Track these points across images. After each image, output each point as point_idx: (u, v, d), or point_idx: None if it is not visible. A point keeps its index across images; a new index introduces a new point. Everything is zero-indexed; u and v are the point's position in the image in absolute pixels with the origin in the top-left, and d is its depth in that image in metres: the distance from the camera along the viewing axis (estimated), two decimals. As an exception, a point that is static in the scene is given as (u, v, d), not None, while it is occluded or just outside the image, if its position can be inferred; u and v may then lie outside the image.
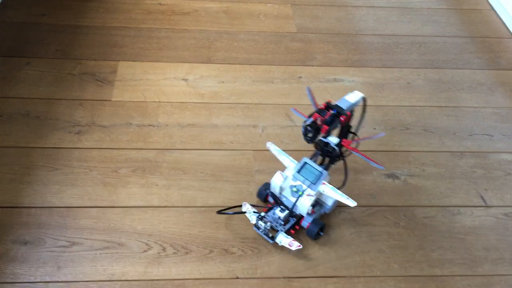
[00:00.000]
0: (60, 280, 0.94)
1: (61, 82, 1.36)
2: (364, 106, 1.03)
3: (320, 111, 0.95)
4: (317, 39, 1.62)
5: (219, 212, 1.05)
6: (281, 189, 1.03)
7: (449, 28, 1.72)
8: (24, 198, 1.07)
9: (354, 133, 1.05)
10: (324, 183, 1.01)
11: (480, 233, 1.10)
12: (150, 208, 1.09)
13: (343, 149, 1.02)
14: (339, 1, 1.81)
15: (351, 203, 0.97)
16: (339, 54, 1.57)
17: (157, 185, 1.13)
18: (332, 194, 0.99)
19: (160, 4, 1.69)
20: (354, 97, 0.99)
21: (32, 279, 0.94)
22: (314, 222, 1.03)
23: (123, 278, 0.96)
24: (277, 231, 1.02)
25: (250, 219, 1.04)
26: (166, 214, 1.08)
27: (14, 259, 0.97)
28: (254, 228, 1.04)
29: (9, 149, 1.17)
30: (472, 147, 1.30)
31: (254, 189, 1.14)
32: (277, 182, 1.02)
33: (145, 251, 1.01)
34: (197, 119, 1.31)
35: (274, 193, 1.04)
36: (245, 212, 1.03)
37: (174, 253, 1.01)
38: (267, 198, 1.09)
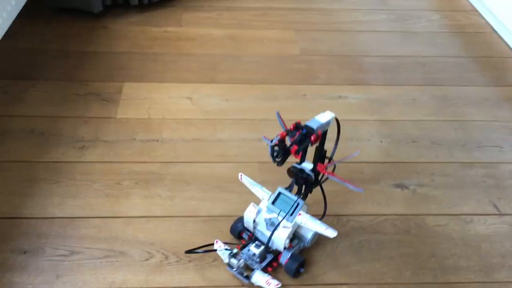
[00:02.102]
0: (58, 288, 0.91)
1: (67, 102, 1.37)
2: (338, 128, 0.95)
3: (289, 132, 0.88)
4: (320, 60, 1.63)
5: (188, 251, 0.96)
6: (256, 223, 0.96)
7: (452, 49, 1.74)
8: (24, 210, 1.05)
9: (329, 158, 0.96)
10: (300, 213, 0.93)
11: (495, 240, 1.06)
12: (153, 218, 1.06)
13: (320, 175, 0.95)
14: (342, 26, 1.84)
15: (332, 233, 0.89)
16: (343, 74, 1.58)
17: (160, 196, 1.11)
18: (310, 224, 0.92)
19: (166, 31, 1.73)
20: (325, 117, 0.91)
21: (30, 287, 0.90)
22: (292, 257, 0.93)
23: (123, 286, 0.92)
24: (253, 269, 0.93)
25: (222, 258, 0.94)
26: (169, 223, 1.05)
27: (12, 268, 0.94)
28: (227, 268, 0.94)
29: (11, 164, 1.16)
30: (482, 158, 1.28)
31: (258, 199, 1.12)
32: (250, 216, 0.95)
33: (147, 259, 0.97)
34: (202, 134, 1.30)
35: (248, 227, 0.97)
36: (215, 250, 0.94)
37: (177, 261, 0.97)
38: (241, 234, 1.00)
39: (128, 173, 1.16)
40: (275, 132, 1.28)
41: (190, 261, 0.97)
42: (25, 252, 0.97)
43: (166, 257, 0.98)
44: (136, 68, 1.52)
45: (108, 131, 1.28)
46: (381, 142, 1.32)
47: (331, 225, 1.05)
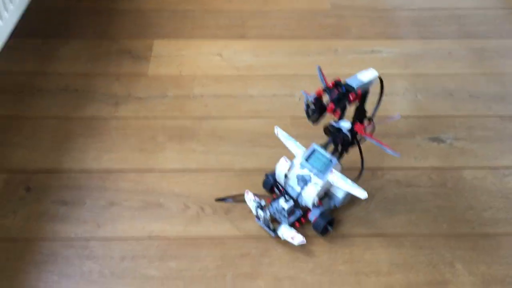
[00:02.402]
0: (100, 237, 0.93)
1: (98, 59, 1.38)
2: (382, 87, 0.92)
3: (327, 89, 0.85)
4: (352, 15, 1.59)
5: (218, 199, 0.98)
6: (287, 178, 0.95)
7: (489, 0, 1.66)
8: (63, 164, 1.08)
9: (370, 118, 0.93)
10: (333, 172, 0.91)
11: (534, 193, 1.04)
12: (188, 171, 1.07)
13: (358, 135, 0.93)
14: (373, -20, 1.77)
15: (362, 193, 0.87)
16: (375, 28, 1.53)
17: (194, 150, 1.12)
18: (340, 183, 0.90)
19: (194, -12, 1.70)
20: (367, 75, 0.87)
21: (72, 235, 0.93)
22: (322, 215, 0.92)
23: (162, 235, 0.94)
24: (281, 223, 0.93)
25: (251, 208, 0.95)
26: (204, 177, 1.06)
27: (55, 218, 0.96)
28: (256, 220, 0.94)
29: (48, 120, 1.18)
30: (521, 111, 1.24)
31: (292, 154, 1.11)
32: (281, 170, 0.94)
33: (183, 211, 0.99)
34: (233, 90, 1.29)
35: (279, 181, 0.96)
36: (244, 201, 0.95)
37: (213, 213, 0.99)
38: (273, 189, 0.99)
39: (161, 128, 1.17)
40: (307, 88, 1.27)
41: (226, 213, 0.98)
42: (66, 203, 0.99)
43: (202, 209, 0.99)
44: (165, 25, 1.50)
45: (140, 88, 1.28)
46: (416, 96, 1.29)
47: (366, 179, 1.05)
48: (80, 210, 0.98)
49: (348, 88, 0.85)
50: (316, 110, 0.86)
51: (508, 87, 1.30)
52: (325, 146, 0.95)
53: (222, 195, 1.02)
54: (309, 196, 0.91)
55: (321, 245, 0.93)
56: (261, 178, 1.03)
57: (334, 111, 0.85)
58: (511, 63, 1.39)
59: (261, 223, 0.93)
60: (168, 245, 0.93)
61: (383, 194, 1.03)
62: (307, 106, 0.86)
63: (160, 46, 1.43)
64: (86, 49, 1.40)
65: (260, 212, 0.92)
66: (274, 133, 1.00)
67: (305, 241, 0.89)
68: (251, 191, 0.97)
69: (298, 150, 0.96)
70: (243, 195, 0.97)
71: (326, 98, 0.87)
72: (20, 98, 1.24)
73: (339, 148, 0.95)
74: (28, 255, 0.90)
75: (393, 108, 1.24)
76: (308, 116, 0.87)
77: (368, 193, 1.01)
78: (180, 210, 0.99)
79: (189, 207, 1.00)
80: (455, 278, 0.88)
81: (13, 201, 0.99)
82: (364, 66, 1.37)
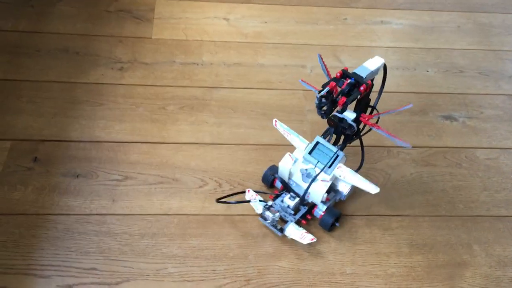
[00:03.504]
0: (116, 213, 0.90)
1: (97, 18, 1.30)
2: (385, 74, 0.88)
3: (335, 80, 0.81)
4: (360, -19, 1.54)
5: (219, 200, 0.90)
6: (290, 173, 0.91)
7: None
8: (71, 132, 1.03)
9: (373, 107, 0.89)
10: (340, 166, 0.87)
11: (545, 175, 1.06)
12: (202, 145, 1.04)
13: (361, 126, 0.90)
14: None
15: (374, 188, 0.84)
16: (385, -4, 1.50)
17: (207, 122, 1.09)
18: (351, 179, 0.86)
19: None
20: (374, 63, 0.83)
21: (87, 211, 0.90)
22: (328, 211, 0.89)
23: (180, 212, 0.92)
24: (286, 221, 0.89)
25: (255, 209, 0.90)
26: (219, 151, 1.03)
27: (67, 192, 0.92)
28: (260, 219, 0.89)
29: (51, 84, 1.12)
30: (529, 90, 1.25)
31: (307, 128, 1.10)
32: (286, 166, 0.89)
33: (200, 186, 0.97)
34: (243, 58, 1.25)
35: (283, 178, 0.93)
36: (249, 201, 0.90)
37: (231, 189, 0.97)
38: (273, 183, 0.95)
39: (171, 98, 1.12)
40: (316, 59, 1.24)
41: (244, 192, 0.96)
42: (77, 176, 0.95)
43: (220, 185, 0.97)
44: (167, -16, 1.42)
45: (146, 52, 1.22)
46: (427, 71, 1.27)
47: (381, 157, 1.05)
48: (93, 183, 0.94)
49: (358, 79, 0.80)
50: (327, 103, 0.81)
51: (517, 66, 1.31)
52: (326, 137, 0.90)
53: (240, 170, 1.00)
54: (318, 193, 0.88)
55: (341, 224, 0.93)
56: (277, 154, 1.02)
57: (345, 105, 0.80)
58: (519, 41, 1.39)
59: (266, 223, 0.88)
60: (188, 222, 0.90)
61: (400, 173, 1.03)
62: (320, 99, 0.80)
63: (163, 7, 1.36)
64: (83, 7, 1.32)
65: (268, 213, 0.87)
66: (273, 125, 0.95)
67: (315, 239, 0.85)
68: (252, 189, 0.92)
69: (300, 143, 0.91)
70: (243, 192, 0.92)
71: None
72: (16, 59, 1.16)
73: (341, 139, 0.92)
74: (42, 230, 0.86)
75: (406, 83, 1.23)
76: (320, 110, 0.82)
77: (384, 172, 1.02)
78: (197, 186, 0.97)
79: (206, 182, 0.97)
80: (472, 259, 0.90)
81: (20, 172, 0.94)
82: (374, 38, 1.35)
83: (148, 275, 0.83)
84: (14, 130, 1.01)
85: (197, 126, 1.08)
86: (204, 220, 0.91)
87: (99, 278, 0.81)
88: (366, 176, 0.99)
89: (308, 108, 1.14)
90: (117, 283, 0.81)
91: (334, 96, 0.81)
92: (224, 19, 1.36)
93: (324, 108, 0.82)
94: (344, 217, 0.94)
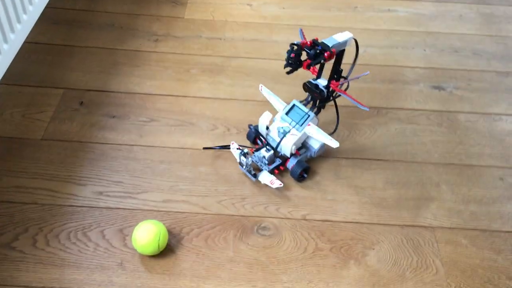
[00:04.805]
0: (142, 144, 1.11)
1: (141, 1, 1.54)
2: (357, 49, 1.00)
3: (305, 47, 0.93)
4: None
5: (206, 148, 1.09)
6: (269, 130, 1.06)
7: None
8: (111, 85, 1.25)
9: (343, 77, 1.02)
10: (309, 125, 1.01)
11: (519, 136, 1.18)
12: (217, 99, 1.24)
13: (334, 93, 1.03)
14: None
15: (334, 143, 0.98)
16: (394, -11, 1.66)
17: (223, 83, 1.28)
18: (316, 134, 1.00)
19: None
20: (342, 36, 0.96)
21: (119, 142, 1.11)
22: (298, 163, 1.02)
23: (193, 147, 1.11)
24: (262, 170, 1.04)
25: (235, 157, 1.06)
26: (231, 104, 1.23)
27: (105, 128, 1.14)
28: (239, 167, 1.05)
29: (97, 49, 1.35)
30: (518, 69, 1.37)
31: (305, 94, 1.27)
32: (263, 122, 1.05)
33: (212, 130, 1.16)
34: (260, 36, 1.44)
35: (261, 132, 1.07)
36: (229, 148, 1.06)
37: (237, 133, 1.16)
38: (256, 140, 1.10)
39: (195, 63, 1.33)
40: (327, 36, 1.41)
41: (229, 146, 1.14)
42: (113, 117, 1.17)
43: (228, 129, 1.16)
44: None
45: (178, 29, 1.44)
46: (424, 50, 1.42)
47: (371, 115, 1.21)
48: (125, 123, 1.16)
49: (324, 47, 0.93)
50: (293, 60, 0.93)
51: (508, 48, 1.43)
52: (304, 102, 1.05)
53: (246, 119, 1.18)
54: (287, 145, 1.02)
55: (327, 165, 1.09)
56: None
57: (309, 67, 0.95)
58: (516, 27, 1.51)
59: (243, 169, 1.04)
60: (199, 154, 1.10)
61: (385, 128, 1.19)
62: (292, 48, 0.93)
63: (196, -6, 1.58)
64: (131, -8, 1.56)
65: (243, 159, 1.01)
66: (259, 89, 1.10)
67: (282, 185, 0.99)
68: (236, 142, 1.08)
69: (280, 105, 1.07)
70: (229, 146, 1.07)
71: (304, 57, 0.96)
72: (72, 30, 1.41)
73: (317, 103, 1.06)
74: (82, 153, 1.08)
75: (404, 59, 1.39)
76: (288, 61, 0.94)
77: (371, 127, 1.18)
78: (209, 129, 1.16)
79: (217, 127, 1.17)
80: (439, 195, 1.04)
81: (69, 112, 1.17)
82: (380, 23, 1.52)
83: (163, 189, 1.02)
84: (66, 81, 1.25)
85: (215, 85, 1.28)
86: (212, 154, 1.10)
87: (124, 188, 1.02)
88: (355, 129, 1.16)
89: (311, 77, 1.31)
90: (137, 193, 1.01)
91: (301, 54, 0.94)
92: (248, 4, 1.56)
93: (291, 62, 0.95)
94: (332, 159, 1.11)
